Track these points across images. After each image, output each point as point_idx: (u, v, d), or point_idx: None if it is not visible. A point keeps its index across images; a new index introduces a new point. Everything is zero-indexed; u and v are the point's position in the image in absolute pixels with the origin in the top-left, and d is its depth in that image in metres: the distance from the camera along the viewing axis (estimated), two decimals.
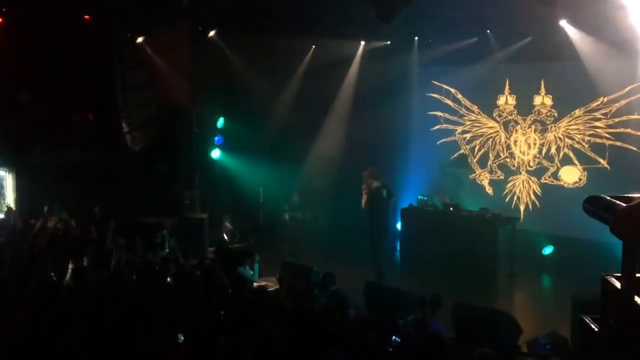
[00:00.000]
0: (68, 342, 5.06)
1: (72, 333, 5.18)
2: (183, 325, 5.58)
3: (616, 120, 11.37)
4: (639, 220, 2.98)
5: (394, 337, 5.84)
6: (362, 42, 13.59)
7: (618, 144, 11.36)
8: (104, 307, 5.89)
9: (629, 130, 11.18)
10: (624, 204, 3.13)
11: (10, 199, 12.76)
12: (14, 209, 12.07)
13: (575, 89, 11.71)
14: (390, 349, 5.66)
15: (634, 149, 11.03)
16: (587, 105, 11.68)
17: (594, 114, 11.63)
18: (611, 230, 3.05)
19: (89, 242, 9.17)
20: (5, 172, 12.83)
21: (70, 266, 7.84)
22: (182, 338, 5.31)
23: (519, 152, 12.67)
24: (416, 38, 13.02)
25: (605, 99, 11.41)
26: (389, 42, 13.29)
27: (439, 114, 13.52)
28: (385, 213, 11.31)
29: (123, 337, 5.10)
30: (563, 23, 10.95)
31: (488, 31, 11.96)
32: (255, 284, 8.61)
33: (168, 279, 7.46)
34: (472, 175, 13.14)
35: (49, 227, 10.35)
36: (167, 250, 9.68)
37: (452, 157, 13.36)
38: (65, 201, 11.66)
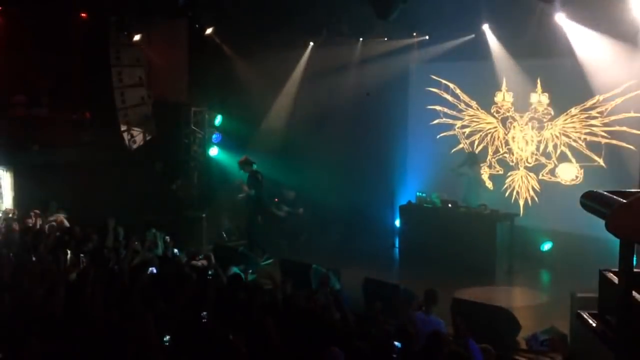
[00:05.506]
0: (62, 341, 5.04)
1: (66, 333, 5.16)
2: (179, 324, 5.55)
3: (612, 118, 11.33)
4: (635, 215, 2.96)
5: (395, 342, 5.75)
6: (360, 39, 13.55)
7: (614, 142, 11.33)
8: (99, 306, 5.88)
9: (624, 128, 11.16)
10: (621, 199, 3.10)
11: (8, 198, 12.73)
12: (12, 207, 12.06)
13: (571, 87, 11.66)
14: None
15: (630, 147, 10.96)
16: (583, 104, 11.65)
17: (590, 112, 11.59)
18: (607, 226, 3.02)
19: (89, 241, 9.15)
20: (4, 171, 12.80)
21: (69, 264, 7.84)
22: (168, 339, 5.25)
23: (517, 149, 12.64)
24: (414, 34, 13.01)
25: (601, 98, 11.36)
26: (386, 39, 13.27)
27: (438, 108, 13.48)
28: (261, 191, 12.09)
29: (115, 338, 5.08)
30: (560, 18, 10.84)
31: (486, 27, 11.96)
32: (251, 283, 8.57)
33: (164, 277, 7.44)
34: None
35: (48, 226, 10.32)
36: (161, 248, 9.64)
37: (452, 152, 13.35)
38: (64, 199, 11.64)
